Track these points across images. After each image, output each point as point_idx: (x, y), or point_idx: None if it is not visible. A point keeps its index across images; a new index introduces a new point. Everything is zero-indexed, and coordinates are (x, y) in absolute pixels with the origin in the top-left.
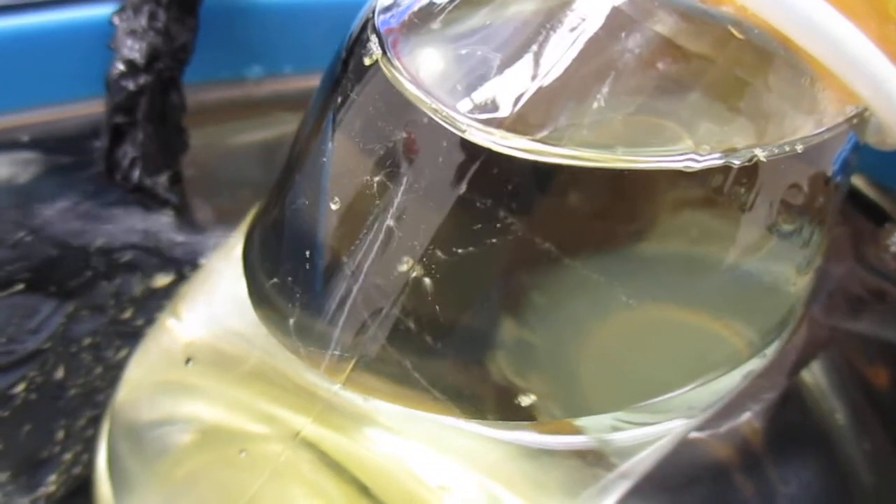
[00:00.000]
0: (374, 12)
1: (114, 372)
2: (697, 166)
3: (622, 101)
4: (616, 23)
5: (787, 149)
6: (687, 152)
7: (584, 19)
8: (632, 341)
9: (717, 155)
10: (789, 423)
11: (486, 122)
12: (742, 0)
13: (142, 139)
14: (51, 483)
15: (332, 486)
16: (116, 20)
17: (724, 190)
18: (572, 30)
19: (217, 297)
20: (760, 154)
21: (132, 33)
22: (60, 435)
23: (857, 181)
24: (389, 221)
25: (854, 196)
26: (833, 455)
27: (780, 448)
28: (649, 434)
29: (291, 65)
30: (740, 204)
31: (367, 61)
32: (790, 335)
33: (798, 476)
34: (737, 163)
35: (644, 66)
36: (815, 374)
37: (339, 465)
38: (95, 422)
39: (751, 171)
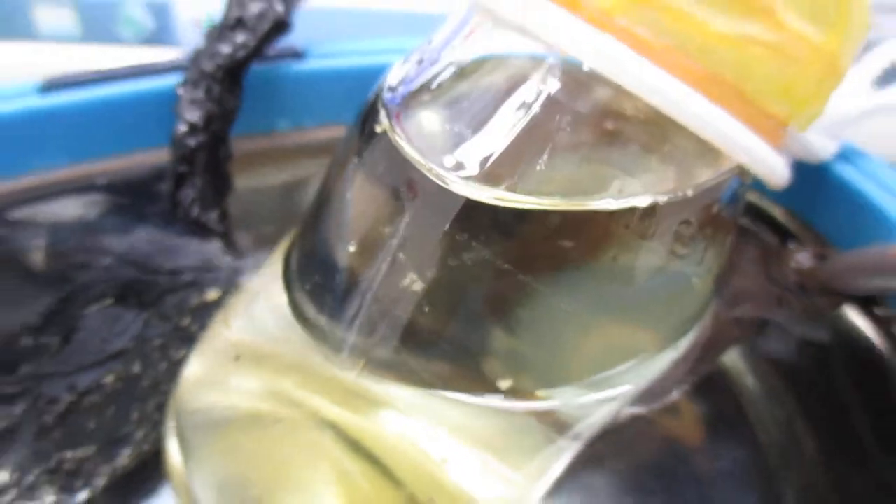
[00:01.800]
0: (382, 90)
1: (176, 367)
2: (615, 207)
3: (563, 157)
4: (557, 97)
5: (681, 194)
6: (606, 197)
7: (535, 94)
8: (577, 335)
9: (628, 199)
10: (714, 399)
11: (464, 178)
12: (635, 91)
13: (199, 184)
14: (125, 456)
15: (349, 459)
16: (181, 91)
17: (634, 224)
18: (523, 104)
19: (258, 307)
20: (661, 199)
21: (193, 102)
22: (135, 416)
23: (770, 206)
24: (396, 248)
25: (766, 219)
26: (748, 421)
27: (708, 418)
28: (599, 399)
29: (311, 120)
30: (647, 234)
31: (378, 129)
32: (700, 329)
33: (723, 440)
34: (643, 205)
35: (579, 128)
36: (732, 359)
37: (357, 442)
38: (161, 407)
39: (654, 210)
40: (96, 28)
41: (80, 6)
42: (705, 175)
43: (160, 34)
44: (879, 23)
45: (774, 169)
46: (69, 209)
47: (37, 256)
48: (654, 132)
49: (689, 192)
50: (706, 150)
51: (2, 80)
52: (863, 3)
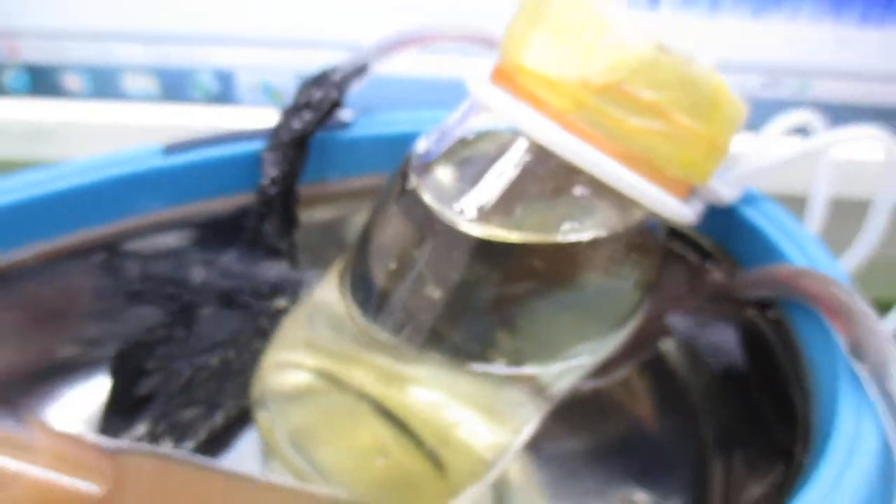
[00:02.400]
0: (413, 156)
1: (257, 355)
2: (569, 240)
3: (534, 204)
4: (530, 163)
5: (613, 231)
6: (563, 233)
7: (514, 161)
8: (551, 326)
9: (578, 235)
10: (656, 377)
11: (467, 220)
12: (578, 165)
13: (275, 221)
14: (220, 417)
15: (381, 424)
16: (265, 155)
17: (584, 251)
18: (506, 168)
19: (318, 310)
20: (600, 234)
21: (273, 163)
22: (229, 389)
23: (695, 235)
24: (421, 268)
25: (692, 244)
26: (682, 395)
27: (653, 392)
28: (567, 367)
29: (351, 172)
30: (593, 258)
31: (409, 186)
32: (636, 323)
33: (665, 408)
34: (587, 239)
35: (545, 184)
36: (668, 347)
37: (388, 410)
38: (246, 384)
39: (595, 242)
40: (172, 90)
41: (160, 73)
42: (637, 216)
43: (224, 95)
44: None
45: (677, 213)
46: (176, 240)
47: (161, 274)
48: (597, 187)
49: (619, 230)
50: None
51: (99, 133)
52: (732, 102)
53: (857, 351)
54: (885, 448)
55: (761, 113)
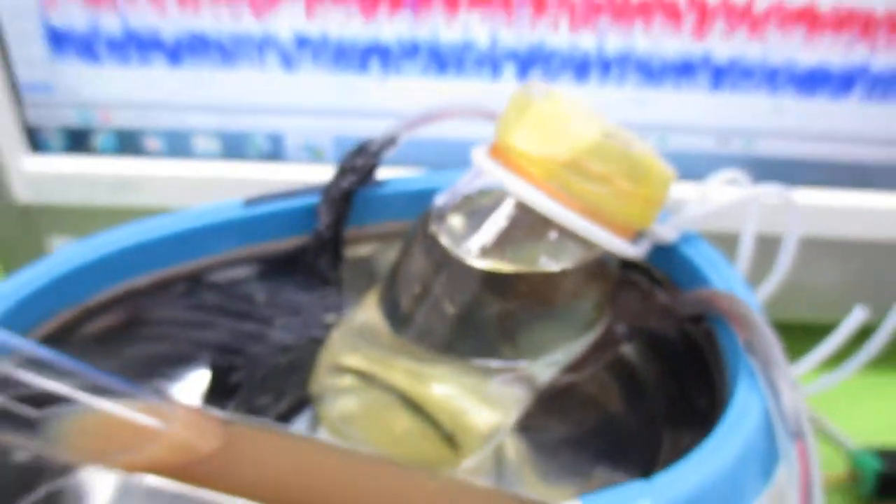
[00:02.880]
0: (433, 208)
1: (313, 357)
2: (543, 271)
3: (520, 244)
4: (516, 214)
5: (575, 265)
6: (539, 266)
7: (506, 213)
8: (535, 333)
9: (549, 267)
10: (619, 375)
11: (472, 257)
12: (550, 216)
13: (327, 257)
14: (285, 403)
15: (406, 412)
16: (321, 208)
17: (556, 279)
18: (500, 218)
19: (359, 324)
20: (566, 266)
21: (326, 213)
22: (292, 381)
23: (648, 266)
24: (437, 293)
25: (645, 273)
26: (639, 389)
27: (618, 387)
28: (548, 363)
29: (386, 218)
30: (562, 284)
31: (429, 231)
32: (598, 331)
33: (627, 401)
34: (556, 270)
35: (527, 230)
36: (627, 350)
37: (412, 401)
38: (305, 380)
39: (563, 273)
40: (232, 150)
41: (222, 136)
42: (595, 253)
43: (275, 154)
44: None
45: (624, 251)
46: (251, 271)
47: (242, 296)
48: (565, 232)
49: (582, 263)
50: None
51: (172, 185)
52: (661, 171)
53: (750, 348)
54: (766, 413)
55: (715, 165)
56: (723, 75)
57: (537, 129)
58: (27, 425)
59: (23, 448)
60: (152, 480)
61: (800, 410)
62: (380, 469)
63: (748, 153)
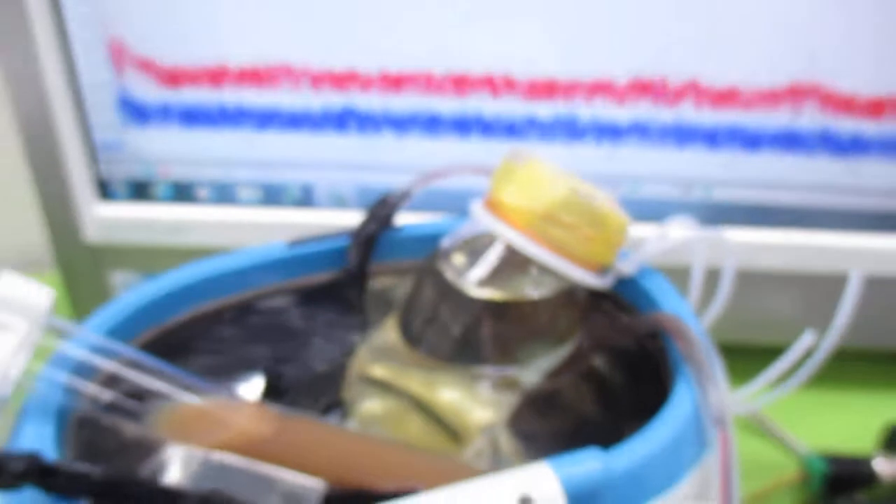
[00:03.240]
0: (440, 248)
1: (344, 369)
2: (529, 298)
3: (507, 276)
4: (504, 253)
5: (550, 293)
6: (523, 294)
7: (497, 251)
8: (523, 345)
9: (529, 296)
10: (592, 382)
11: (471, 287)
12: (532, 256)
13: (355, 289)
14: (321, 403)
15: (419, 415)
16: (350, 248)
17: (538, 304)
18: (492, 255)
19: (381, 342)
20: (543, 294)
21: (355, 253)
22: (329, 388)
23: (613, 294)
24: (443, 316)
25: (612, 300)
26: (609, 394)
27: (591, 392)
28: (533, 369)
29: (402, 256)
30: (540, 307)
31: (436, 267)
32: (571, 346)
33: (599, 404)
34: (539, 297)
35: (513, 265)
36: (598, 362)
37: (425, 405)
38: (339, 388)
39: (544, 299)
40: (271, 198)
41: (262, 186)
42: (567, 283)
43: (306, 201)
44: None
45: (590, 282)
46: (290, 301)
47: (289, 322)
48: (543, 268)
49: (557, 291)
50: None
51: (220, 227)
52: (617, 219)
53: (688, 357)
54: (696, 406)
55: (679, 210)
56: (686, 137)
57: (520, 187)
58: (132, 413)
59: (128, 430)
60: (224, 456)
61: (722, 405)
62: (391, 448)
63: (706, 200)
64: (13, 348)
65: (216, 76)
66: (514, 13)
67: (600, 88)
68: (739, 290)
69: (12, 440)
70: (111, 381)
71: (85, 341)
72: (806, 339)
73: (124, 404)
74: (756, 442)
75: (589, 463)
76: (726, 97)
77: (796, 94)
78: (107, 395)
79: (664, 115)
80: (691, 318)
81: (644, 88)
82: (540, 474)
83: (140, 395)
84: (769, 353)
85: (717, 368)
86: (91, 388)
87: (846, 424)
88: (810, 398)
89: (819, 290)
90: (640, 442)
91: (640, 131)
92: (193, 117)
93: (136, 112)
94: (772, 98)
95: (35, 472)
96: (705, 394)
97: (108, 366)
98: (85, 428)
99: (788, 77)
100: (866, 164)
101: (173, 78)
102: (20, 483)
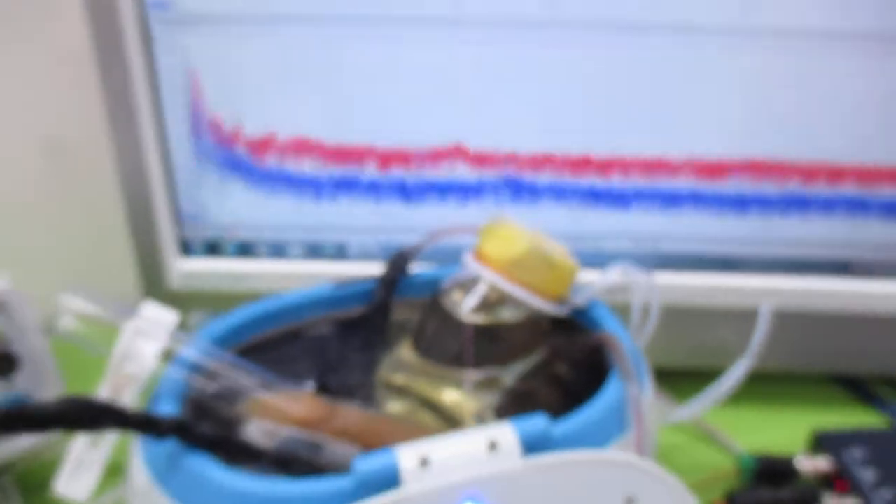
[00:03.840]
0: (441, 288)
1: (374, 376)
2: (506, 321)
3: (492, 306)
4: (486, 291)
5: (519, 319)
6: (503, 318)
7: (482, 289)
8: (504, 354)
9: (510, 320)
10: (556, 382)
11: (465, 314)
12: (507, 292)
13: (380, 320)
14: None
15: (429, 412)
16: (376, 290)
17: (514, 325)
18: (477, 291)
19: (398, 358)
20: (517, 319)
21: (380, 293)
22: (363, 389)
23: (571, 319)
24: (445, 336)
25: (568, 324)
26: (565, 384)
27: (556, 388)
28: (511, 372)
29: (415, 295)
30: (515, 330)
31: (439, 301)
32: (539, 356)
33: (562, 398)
34: (514, 320)
35: (495, 297)
36: (560, 368)
37: (432, 403)
38: (373, 392)
39: (518, 322)
40: (313, 253)
41: (307, 245)
42: (534, 311)
43: (340, 255)
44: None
45: (550, 310)
46: (333, 328)
47: (331, 343)
48: (515, 299)
49: (527, 316)
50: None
51: (275, 276)
52: (567, 265)
53: (619, 363)
54: (621, 395)
55: (633, 260)
56: (631, 200)
57: (498, 242)
58: (227, 398)
59: (223, 410)
60: (289, 430)
61: (638, 396)
62: (404, 425)
63: (655, 251)
64: (156, 350)
65: (264, 146)
66: (509, 102)
67: (571, 164)
68: (684, 323)
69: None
70: (213, 375)
71: (196, 348)
72: (742, 366)
73: (222, 392)
74: (702, 444)
75: (536, 422)
76: (653, 167)
77: (724, 169)
78: (210, 385)
79: (619, 183)
80: (625, 337)
81: (600, 164)
82: (503, 429)
83: (232, 386)
84: (716, 375)
85: (642, 372)
86: (199, 381)
87: (778, 432)
88: (749, 411)
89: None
90: (575, 415)
91: (595, 197)
92: (255, 192)
93: (211, 185)
94: (705, 170)
95: (176, 428)
96: (627, 388)
97: (211, 365)
98: (195, 407)
99: (717, 155)
100: (775, 222)
101: (232, 153)
102: (167, 435)
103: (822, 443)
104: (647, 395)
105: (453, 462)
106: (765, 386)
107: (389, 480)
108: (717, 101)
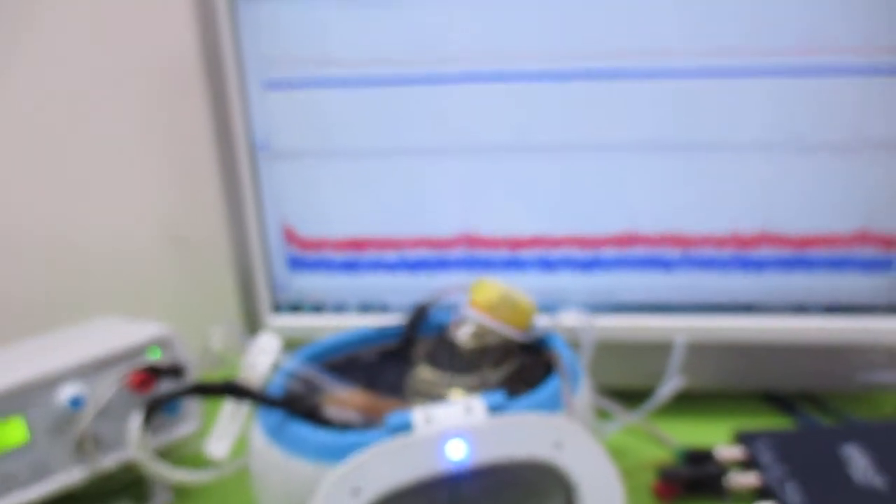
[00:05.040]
0: (447, 327)
1: (403, 388)
2: (489, 344)
3: (480, 336)
4: (479, 326)
5: (500, 340)
6: (487, 343)
7: (472, 328)
8: (488, 366)
9: (491, 343)
10: (523, 381)
11: (462, 341)
12: (486, 326)
13: (407, 350)
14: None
15: None
16: (405, 330)
17: (492, 347)
18: (470, 327)
19: (420, 375)
20: (498, 342)
21: (407, 332)
22: (396, 395)
23: (537, 344)
24: (450, 353)
25: (534, 346)
26: (528, 383)
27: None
28: (493, 376)
29: (430, 333)
30: (496, 349)
31: (446, 335)
32: (511, 367)
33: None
34: (493, 343)
35: (482, 331)
36: (527, 374)
37: (443, 399)
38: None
39: (497, 345)
40: (364, 309)
41: (360, 304)
42: (505, 337)
43: (382, 309)
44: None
45: (518, 338)
46: (376, 355)
47: (375, 365)
48: (493, 330)
49: (502, 340)
50: (504, 334)
51: (326, 329)
52: (527, 306)
53: (559, 370)
54: (557, 388)
55: (590, 307)
56: (590, 266)
57: (481, 294)
58: (312, 392)
59: (309, 400)
60: (351, 413)
61: (568, 389)
62: None
63: (609, 301)
64: (268, 362)
65: (321, 245)
66: (504, 202)
67: (540, 242)
68: (632, 353)
69: None
70: (302, 379)
71: (293, 362)
72: (675, 382)
73: (308, 390)
74: (651, 444)
75: (496, 397)
76: (591, 243)
77: (657, 241)
78: (300, 386)
79: (581, 255)
80: (566, 355)
81: (551, 241)
82: (476, 400)
83: (317, 386)
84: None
85: (577, 378)
86: (294, 383)
87: (711, 435)
88: (689, 420)
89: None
90: (525, 397)
91: (563, 264)
92: (322, 270)
93: (295, 266)
94: (637, 241)
95: (283, 403)
96: (563, 384)
97: (302, 373)
98: (291, 398)
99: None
100: (694, 275)
101: (310, 246)
102: (277, 406)
103: (740, 438)
104: (579, 391)
105: (445, 418)
106: (704, 401)
107: (406, 428)
108: (648, 195)
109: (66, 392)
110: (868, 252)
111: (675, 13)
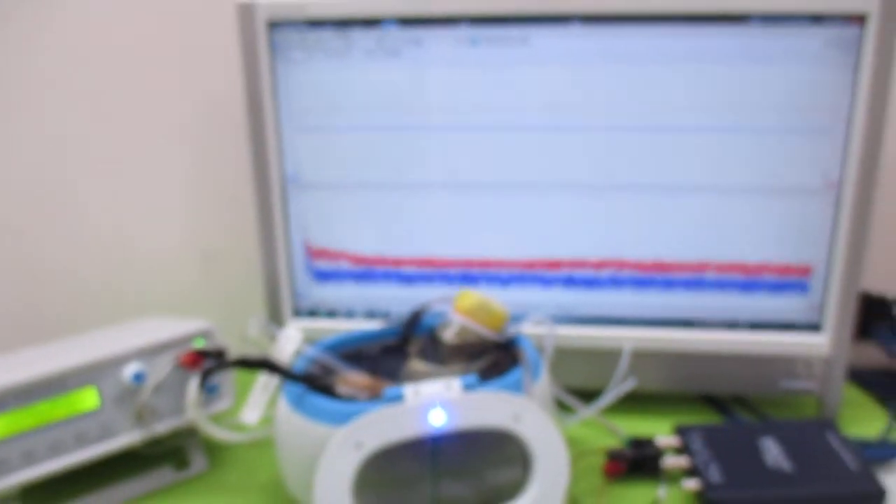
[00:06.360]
0: (437, 327)
1: (400, 375)
2: (471, 341)
3: (462, 335)
4: (462, 326)
5: (479, 338)
6: (468, 340)
7: (456, 325)
8: (468, 358)
9: (471, 340)
10: (496, 370)
11: (449, 338)
12: (469, 327)
13: (405, 346)
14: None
15: None
16: (404, 329)
17: (472, 343)
18: (453, 329)
19: (414, 366)
20: (477, 339)
21: (406, 331)
22: (394, 380)
23: (509, 342)
24: (438, 348)
25: (505, 345)
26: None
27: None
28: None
29: (421, 333)
30: (478, 345)
31: (435, 334)
32: (491, 358)
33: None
34: (474, 340)
35: (464, 330)
36: (501, 364)
37: None
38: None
39: (477, 342)
40: (370, 315)
41: (367, 311)
42: (483, 336)
43: (381, 316)
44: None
45: (493, 337)
46: (378, 350)
47: (377, 358)
48: (473, 330)
49: (480, 339)
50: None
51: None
52: (501, 312)
53: (523, 363)
54: (521, 376)
55: (556, 319)
56: (551, 281)
57: (464, 301)
58: (328, 374)
59: (324, 380)
60: (360, 392)
61: (528, 377)
62: None
63: (570, 314)
64: (293, 349)
65: (336, 260)
66: (496, 230)
67: (528, 265)
68: (589, 358)
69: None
70: (320, 364)
71: (313, 350)
72: (628, 383)
73: (324, 372)
74: (601, 431)
75: (470, 378)
76: (573, 265)
77: (615, 265)
78: (318, 368)
79: (549, 275)
80: (530, 352)
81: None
82: (454, 380)
83: (331, 370)
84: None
85: (538, 370)
86: (314, 366)
87: (656, 429)
88: (637, 416)
89: (632, 358)
90: (494, 380)
91: (537, 282)
92: (332, 281)
93: (314, 277)
94: (601, 265)
95: (304, 379)
96: (524, 372)
97: (321, 358)
98: (311, 376)
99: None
100: (642, 295)
101: (326, 260)
102: (299, 381)
103: (677, 430)
104: (538, 381)
105: (430, 392)
106: (650, 401)
107: (399, 399)
108: (605, 227)
109: (131, 369)
110: (790, 278)
111: (627, 90)
